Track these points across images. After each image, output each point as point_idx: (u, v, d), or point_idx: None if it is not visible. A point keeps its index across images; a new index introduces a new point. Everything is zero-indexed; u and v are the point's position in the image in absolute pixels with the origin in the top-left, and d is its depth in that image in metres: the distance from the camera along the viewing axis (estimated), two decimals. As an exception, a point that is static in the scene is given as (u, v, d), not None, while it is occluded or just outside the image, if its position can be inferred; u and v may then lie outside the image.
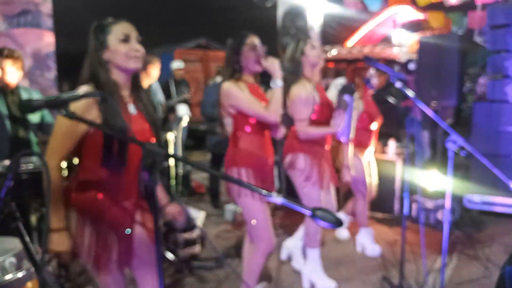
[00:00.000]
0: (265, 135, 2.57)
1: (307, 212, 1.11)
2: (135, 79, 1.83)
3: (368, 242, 3.87)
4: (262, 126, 2.51)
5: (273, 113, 2.42)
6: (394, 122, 4.99)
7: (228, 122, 2.55)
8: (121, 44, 1.71)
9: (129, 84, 1.80)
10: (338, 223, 1.12)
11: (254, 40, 2.50)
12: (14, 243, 1.70)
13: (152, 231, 1.87)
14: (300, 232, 3.53)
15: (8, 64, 3.02)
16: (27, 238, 1.17)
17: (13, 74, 3.07)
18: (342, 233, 4.22)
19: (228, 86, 2.46)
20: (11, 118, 3.06)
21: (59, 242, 1.63)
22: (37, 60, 4.17)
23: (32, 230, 2.79)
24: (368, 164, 3.91)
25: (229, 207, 4.79)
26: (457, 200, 4.59)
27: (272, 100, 2.44)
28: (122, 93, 1.77)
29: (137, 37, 1.76)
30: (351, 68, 3.84)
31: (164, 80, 7.07)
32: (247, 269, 2.69)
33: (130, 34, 1.73)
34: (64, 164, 1.74)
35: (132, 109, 1.78)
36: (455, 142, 2.32)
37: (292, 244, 3.59)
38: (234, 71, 2.50)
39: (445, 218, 2.40)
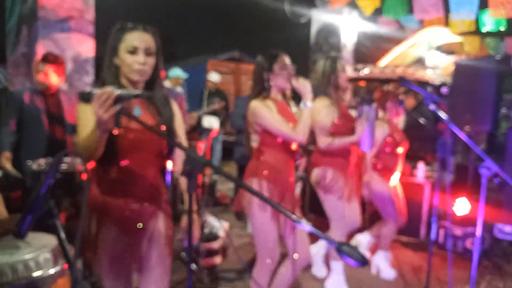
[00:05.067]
0: (289, 153, 2.53)
1: (333, 245, 1.11)
2: (149, 82, 1.80)
3: (384, 265, 3.78)
4: (287, 145, 2.50)
5: (300, 134, 2.39)
6: (424, 145, 4.90)
7: (254, 138, 2.54)
8: (128, 54, 1.71)
9: (141, 87, 1.78)
10: (363, 261, 1.10)
11: (285, 59, 2.48)
12: (50, 240, 1.75)
13: (167, 235, 1.85)
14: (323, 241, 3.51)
15: (51, 70, 3.16)
16: (62, 235, 1.21)
17: (55, 79, 3.20)
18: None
19: (255, 105, 2.43)
20: (49, 119, 3.18)
21: None
22: (76, 64, 4.32)
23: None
24: (395, 188, 3.83)
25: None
26: (488, 229, 4.44)
27: (300, 121, 2.41)
28: None
29: (148, 49, 1.73)
30: (382, 92, 3.80)
31: (197, 89, 7.19)
32: (253, 284, 2.55)
33: (139, 46, 1.71)
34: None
35: (136, 111, 1.76)
36: (489, 169, 2.26)
37: (315, 251, 3.59)
38: (262, 89, 2.47)
39: (475, 247, 2.33)
